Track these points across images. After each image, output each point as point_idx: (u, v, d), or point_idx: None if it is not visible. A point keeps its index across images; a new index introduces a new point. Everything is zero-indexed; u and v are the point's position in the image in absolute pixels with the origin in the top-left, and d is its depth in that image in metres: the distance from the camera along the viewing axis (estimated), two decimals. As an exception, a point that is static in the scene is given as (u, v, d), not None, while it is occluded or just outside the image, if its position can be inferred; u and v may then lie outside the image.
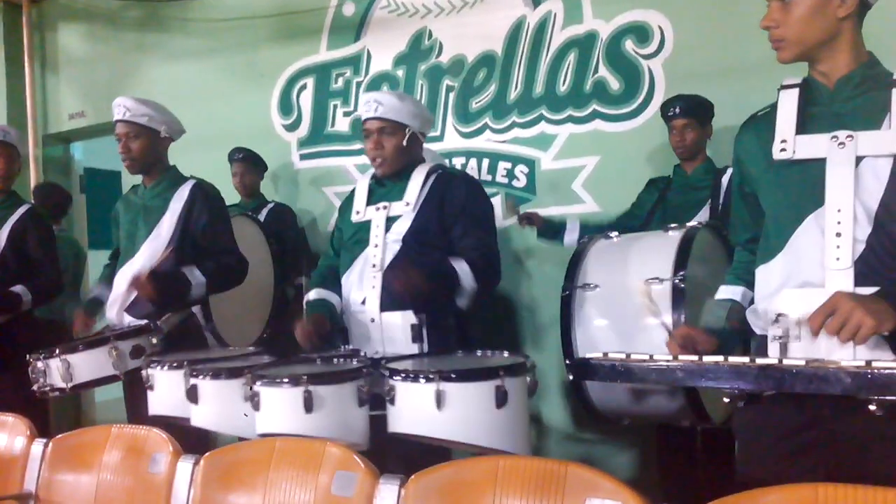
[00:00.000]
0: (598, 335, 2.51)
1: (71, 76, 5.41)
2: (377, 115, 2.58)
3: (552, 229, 3.44)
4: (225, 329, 3.35)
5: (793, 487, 1.34)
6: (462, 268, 2.48)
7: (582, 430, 3.69)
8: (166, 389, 2.42)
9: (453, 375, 1.94)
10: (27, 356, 2.71)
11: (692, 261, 2.43)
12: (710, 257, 2.59)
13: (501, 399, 1.93)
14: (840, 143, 1.58)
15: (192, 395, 2.26)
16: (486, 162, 3.94)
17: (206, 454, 2.02)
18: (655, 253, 2.52)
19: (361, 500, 1.73)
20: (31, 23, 5.41)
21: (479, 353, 2.34)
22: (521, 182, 3.86)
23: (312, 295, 2.68)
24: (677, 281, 2.37)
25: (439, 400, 1.91)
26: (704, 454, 3.01)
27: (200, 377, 2.25)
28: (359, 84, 4.31)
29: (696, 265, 2.45)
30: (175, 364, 2.41)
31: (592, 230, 3.21)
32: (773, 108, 1.74)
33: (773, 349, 1.61)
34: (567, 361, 2.55)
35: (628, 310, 2.47)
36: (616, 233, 2.77)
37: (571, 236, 3.36)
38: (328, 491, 1.79)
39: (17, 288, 3.32)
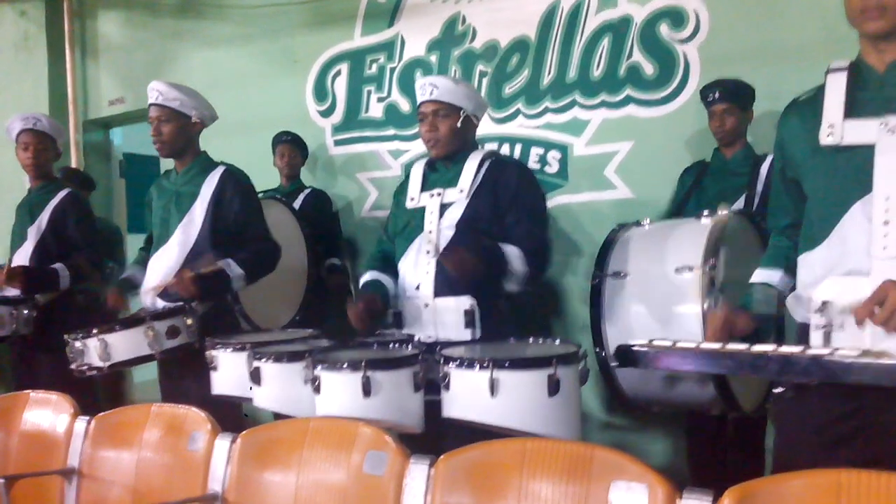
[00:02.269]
0: (628, 323, 2.50)
1: (110, 63, 5.50)
2: (432, 98, 2.62)
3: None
4: (257, 311, 3.40)
5: (816, 473, 1.33)
6: (512, 251, 2.50)
7: (612, 417, 3.69)
8: (230, 371, 2.51)
9: (507, 364, 1.96)
10: (65, 336, 2.78)
11: (724, 248, 2.40)
12: (743, 245, 2.56)
13: (554, 388, 1.95)
14: (890, 129, 1.54)
15: (256, 376, 2.34)
16: (518, 147, 3.93)
17: (243, 433, 2.08)
18: (687, 241, 2.49)
19: (392, 479, 1.76)
20: (71, 11, 5.50)
21: (531, 340, 2.36)
22: (553, 168, 3.85)
23: (367, 277, 2.75)
24: (707, 269, 2.34)
25: (493, 387, 1.94)
26: (734, 442, 3.00)
27: (263, 360, 2.32)
28: (392, 70, 4.32)
29: (729, 253, 2.42)
30: (238, 346, 2.50)
31: None
32: (818, 91, 1.69)
33: (816, 338, 1.58)
34: (597, 349, 2.55)
35: (659, 298, 2.46)
36: (648, 220, 2.75)
37: None
38: (360, 469, 1.83)
39: (56, 265, 3.42)
